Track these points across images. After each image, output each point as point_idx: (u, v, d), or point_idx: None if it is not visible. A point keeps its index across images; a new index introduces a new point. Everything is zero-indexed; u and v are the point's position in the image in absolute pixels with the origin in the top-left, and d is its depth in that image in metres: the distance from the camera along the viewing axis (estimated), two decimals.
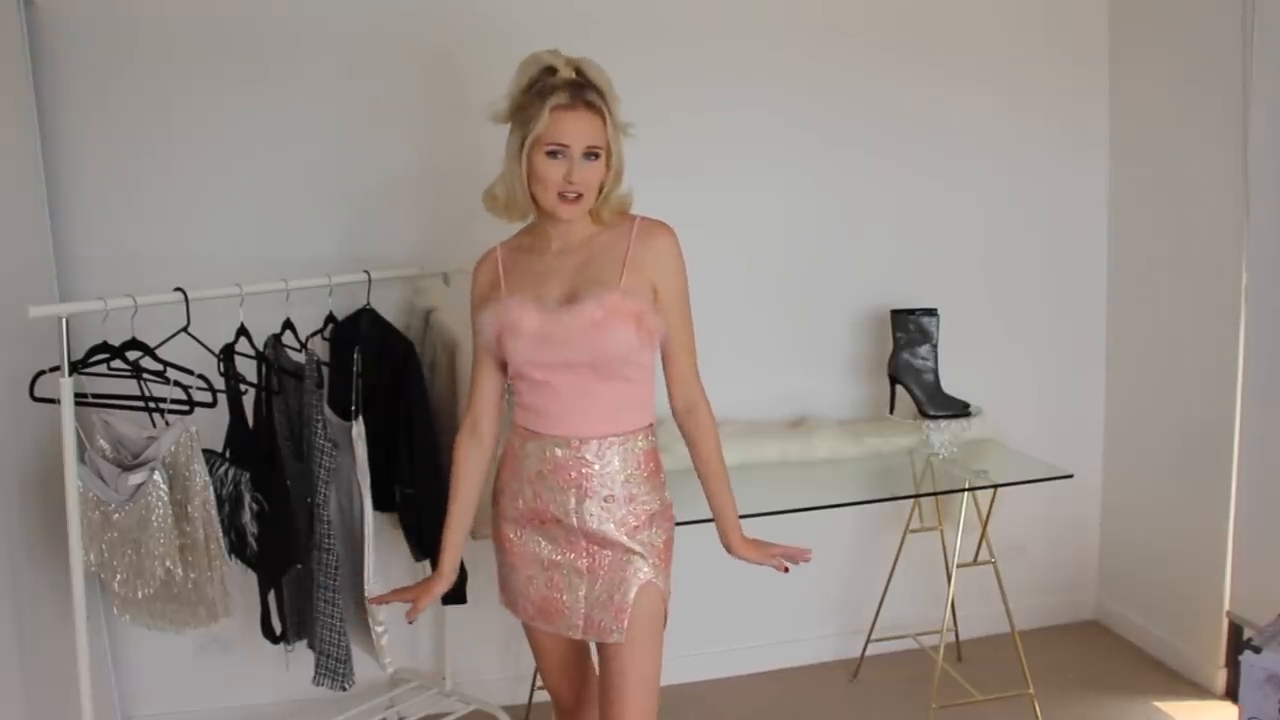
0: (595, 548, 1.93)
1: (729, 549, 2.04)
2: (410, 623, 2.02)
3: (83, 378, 2.27)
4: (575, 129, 1.81)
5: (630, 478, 1.93)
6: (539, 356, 1.87)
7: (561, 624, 1.97)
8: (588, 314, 1.84)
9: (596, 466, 1.91)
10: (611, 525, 1.91)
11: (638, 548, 1.92)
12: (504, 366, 1.98)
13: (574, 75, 1.84)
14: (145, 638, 2.70)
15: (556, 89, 1.81)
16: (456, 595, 2.66)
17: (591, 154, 1.84)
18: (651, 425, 1.99)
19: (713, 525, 2.05)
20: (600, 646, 1.97)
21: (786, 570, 1.99)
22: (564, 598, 1.95)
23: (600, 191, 1.89)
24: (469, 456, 2.04)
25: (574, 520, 1.91)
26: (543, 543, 1.97)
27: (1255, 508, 2.90)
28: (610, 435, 1.91)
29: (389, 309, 2.70)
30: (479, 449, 2.05)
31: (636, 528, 1.93)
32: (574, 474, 1.90)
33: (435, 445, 2.59)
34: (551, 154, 1.82)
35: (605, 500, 1.91)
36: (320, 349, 2.60)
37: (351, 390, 2.46)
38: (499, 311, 1.90)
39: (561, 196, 1.84)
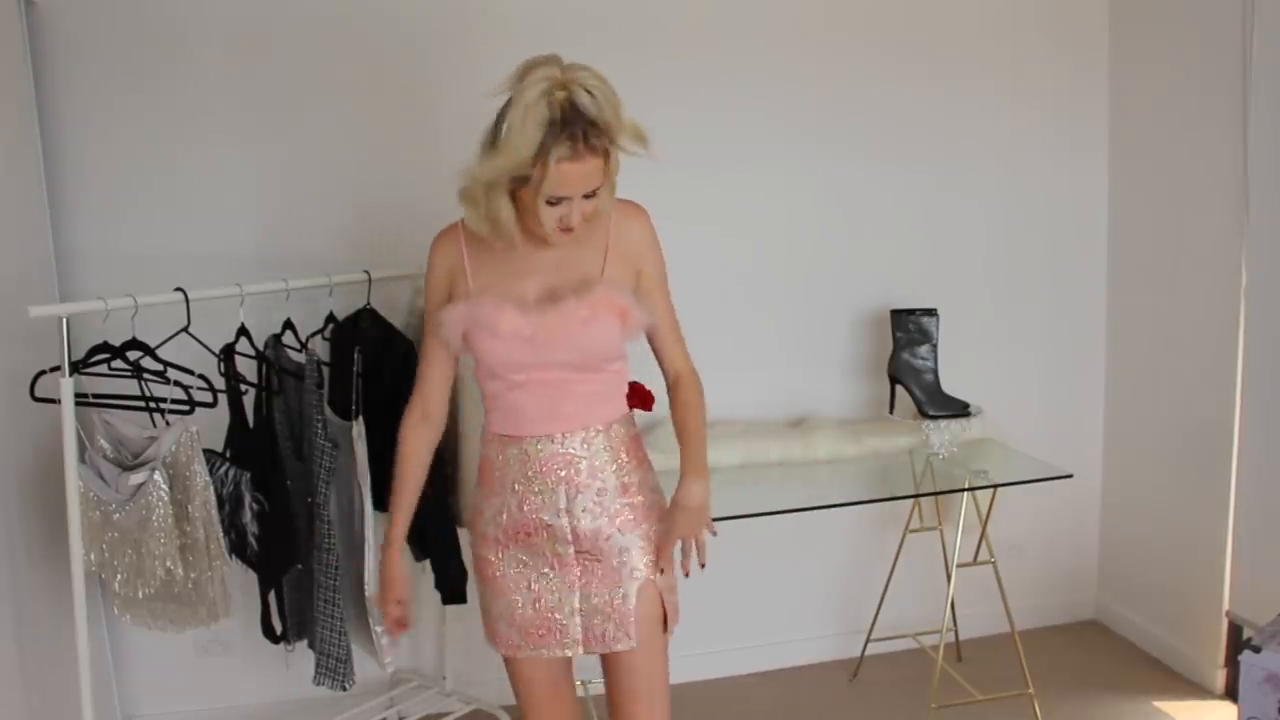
0: (587, 554, 1.84)
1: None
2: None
3: (83, 378, 2.27)
4: (577, 181, 1.68)
5: (621, 467, 1.87)
6: (520, 358, 1.79)
7: (554, 645, 1.87)
8: (572, 312, 1.77)
9: (585, 458, 1.84)
10: (605, 520, 1.84)
11: (635, 544, 1.84)
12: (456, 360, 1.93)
13: (574, 111, 1.64)
14: (145, 638, 2.70)
15: (560, 140, 1.64)
16: (456, 595, 2.67)
17: (591, 194, 1.73)
18: (630, 412, 1.93)
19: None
20: (606, 657, 1.90)
21: (686, 574, 1.84)
22: (556, 615, 1.86)
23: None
24: (420, 436, 1.96)
25: (566, 522, 1.83)
26: (527, 560, 1.87)
27: (1255, 508, 2.90)
28: (594, 425, 1.84)
29: (389, 309, 2.70)
30: (429, 430, 1.97)
31: (633, 520, 1.86)
32: (563, 470, 1.83)
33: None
34: (552, 203, 1.71)
35: (598, 494, 1.84)
36: (320, 349, 2.60)
37: (351, 390, 2.46)
38: (471, 311, 1.80)
39: (557, 230, 1.74)
